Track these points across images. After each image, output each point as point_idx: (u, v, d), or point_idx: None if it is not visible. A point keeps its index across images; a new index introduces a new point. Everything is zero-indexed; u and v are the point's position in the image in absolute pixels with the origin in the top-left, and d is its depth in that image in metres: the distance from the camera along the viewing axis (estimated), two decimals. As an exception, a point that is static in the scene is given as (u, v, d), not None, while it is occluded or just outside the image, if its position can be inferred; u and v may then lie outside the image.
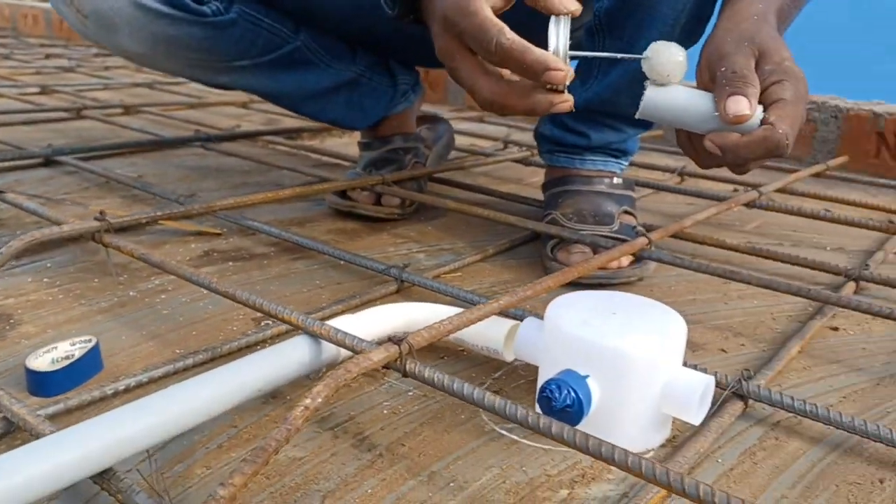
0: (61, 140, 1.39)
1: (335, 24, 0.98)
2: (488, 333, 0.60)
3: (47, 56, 2.70)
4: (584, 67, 0.90)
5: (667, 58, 0.59)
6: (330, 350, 0.56)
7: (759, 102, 0.58)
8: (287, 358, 0.53)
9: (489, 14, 0.57)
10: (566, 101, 0.59)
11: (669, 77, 0.59)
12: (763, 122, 0.57)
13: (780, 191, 1.10)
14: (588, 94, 0.88)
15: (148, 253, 0.67)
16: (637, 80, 0.82)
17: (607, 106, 0.88)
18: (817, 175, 1.26)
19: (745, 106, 0.55)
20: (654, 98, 0.61)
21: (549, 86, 0.57)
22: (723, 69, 0.58)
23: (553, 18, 0.57)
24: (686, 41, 0.85)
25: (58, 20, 3.62)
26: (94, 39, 0.90)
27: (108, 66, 2.50)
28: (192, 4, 0.86)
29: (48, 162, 1.17)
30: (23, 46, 3.06)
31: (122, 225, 0.74)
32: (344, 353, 0.56)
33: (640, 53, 0.69)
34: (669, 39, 0.81)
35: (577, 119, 0.91)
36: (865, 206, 1.07)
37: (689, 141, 0.63)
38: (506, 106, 0.60)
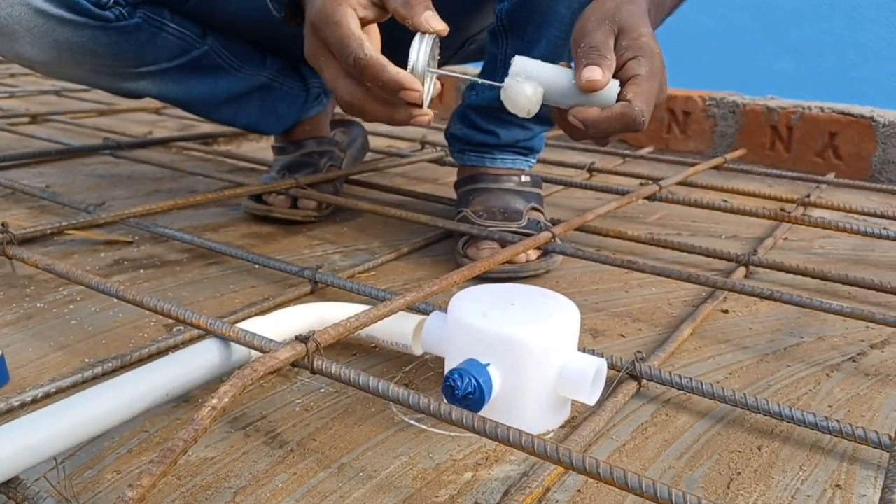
0: (-37, 151, 1.34)
1: (242, 28, 0.98)
2: (397, 329, 0.62)
3: (-53, 63, 2.58)
4: (486, 70, 0.93)
5: (518, 92, 0.60)
6: (241, 352, 0.57)
7: (618, 78, 0.60)
8: (195, 361, 0.54)
9: (352, 26, 0.59)
10: (424, 116, 0.62)
11: (528, 112, 0.61)
12: (620, 97, 0.59)
13: (681, 183, 1.16)
14: (497, 92, 0.90)
15: (53, 263, 0.66)
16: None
17: None
18: (717, 167, 1.32)
19: (597, 74, 0.58)
20: (518, 80, 0.60)
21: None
22: (581, 45, 0.61)
23: (417, 36, 0.59)
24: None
25: (-43, 26, 3.46)
26: None
27: (14, 74, 2.41)
28: (95, 10, 0.85)
29: (-51, 174, 1.13)
30: (-80, 54, 2.91)
31: (27, 236, 0.73)
32: (255, 354, 0.57)
33: (543, 52, 0.71)
34: (561, 47, 0.85)
35: (486, 118, 0.94)
36: (760, 195, 1.13)
37: (560, 116, 0.64)
38: (365, 111, 0.62)
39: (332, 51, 0.60)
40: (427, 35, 0.59)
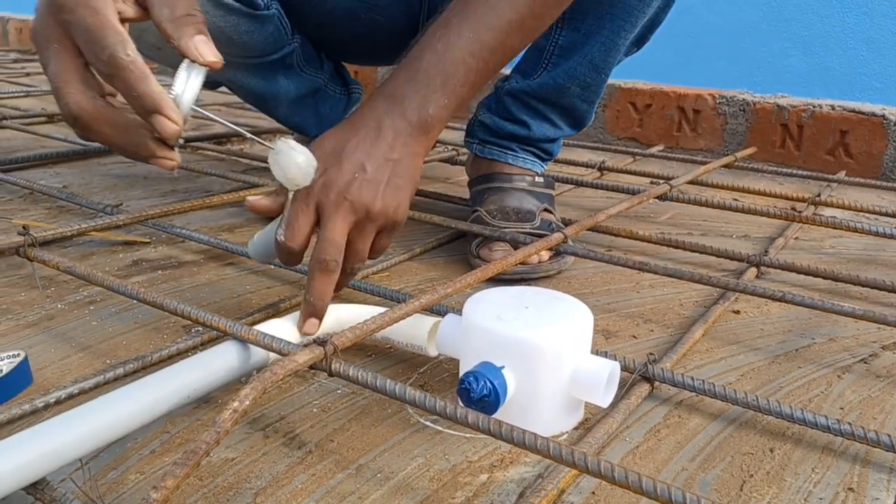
0: (-20, 151, 1.36)
1: (323, 27, 0.98)
2: (412, 331, 0.63)
3: (-39, 62, 2.61)
4: (529, 60, 0.93)
5: (290, 158, 0.55)
6: (259, 353, 0.58)
7: None
8: (215, 364, 0.55)
9: (112, 17, 0.48)
10: (170, 160, 0.52)
11: (296, 181, 0.56)
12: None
13: (692, 182, 1.16)
14: (544, 80, 0.92)
15: (74, 265, 0.68)
16: (594, 68, 0.88)
17: (558, 93, 0.92)
18: (727, 166, 1.33)
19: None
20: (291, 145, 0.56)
21: (156, 133, 0.50)
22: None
23: (186, 62, 0.50)
24: (632, 46, 0.92)
25: (-29, 24, 3.49)
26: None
27: (29, 73, 2.43)
28: None
29: (-33, 175, 1.15)
30: (-66, 52, 2.94)
31: (48, 238, 0.74)
32: (273, 356, 0.58)
33: (598, 46, 0.74)
34: (622, 40, 0.88)
35: (522, 106, 0.95)
36: (770, 194, 1.13)
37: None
38: (95, 130, 0.50)
39: (77, 41, 0.49)
40: (198, 66, 0.50)
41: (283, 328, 0.61)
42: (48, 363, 0.63)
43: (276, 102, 1.01)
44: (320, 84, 1.04)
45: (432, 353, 0.63)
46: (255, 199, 0.64)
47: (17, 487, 0.43)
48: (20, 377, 0.58)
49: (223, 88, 1.03)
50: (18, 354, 0.59)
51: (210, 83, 0.98)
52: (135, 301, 0.72)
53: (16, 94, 1.97)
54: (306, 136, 1.11)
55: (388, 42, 1.03)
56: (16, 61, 2.79)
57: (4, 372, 0.57)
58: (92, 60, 0.49)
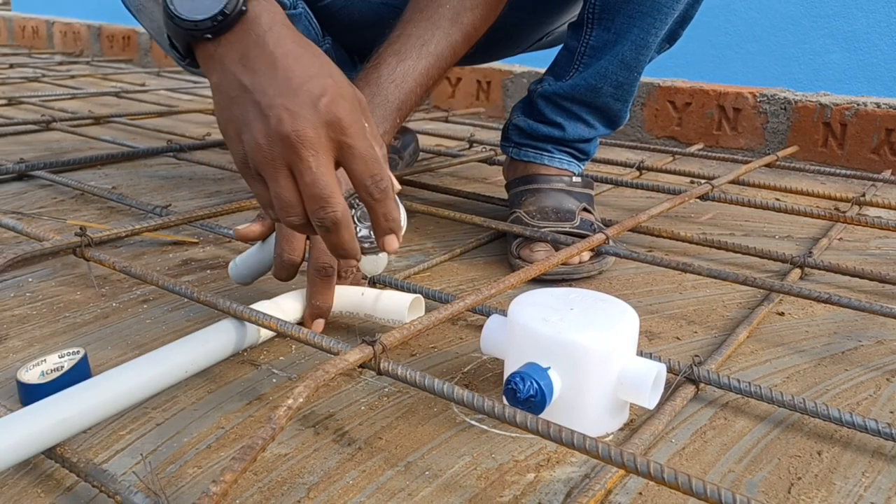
0: (31, 153, 1.40)
1: (354, 29, 0.99)
2: (394, 307, 0.67)
3: (11, 66, 2.68)
4: (561, 62, 0.94)
5: (382, 263, 0.69)
6: (252, 332, 0.63)
7: None
8: (212, 341, 0.60)
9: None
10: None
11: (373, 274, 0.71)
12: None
13: (734, 182, 1.16)
14: (574, 81, 0.92)
15: (129, 265, 0.70)
16: (626, 67, 0.88)
17: (591, 93, 0.93)
18: (768, 165, 1.31)
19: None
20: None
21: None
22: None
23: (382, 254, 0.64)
24: (664, 43, 0.92)
25: (20, 28, 3.59)
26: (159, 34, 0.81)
27: (74, 75, 2.49)
28: None
29: (21, 176, 1.19)
30: (-16, 56, 3.03)
31: (103, 239, 0.76)
32: (265, 333, 0.65)
33: (629, 45, 0.86)
34: (652, 37, 0.89)
35: (556, 108, 0.95)
36: (813, 194, 1.12)
37: None
38: (279, 235, 0.64)
39: (348, 159, 0.52)
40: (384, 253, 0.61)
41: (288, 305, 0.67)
42: (105, 360, 0.65)
43: None
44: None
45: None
46: (244, 227, 0.68)
47: (33, 454, 0.47)
48: (80, 374, 0.60)
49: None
50: (78, 352, 0.61)
51: None
52: (186, 300, 0.74)
53: (62, 97, 2.02)
54: None
55: None
56: (60, 63, 2.86)
57: (66, 369, 0.59)
58: (360, 189, 0.53)
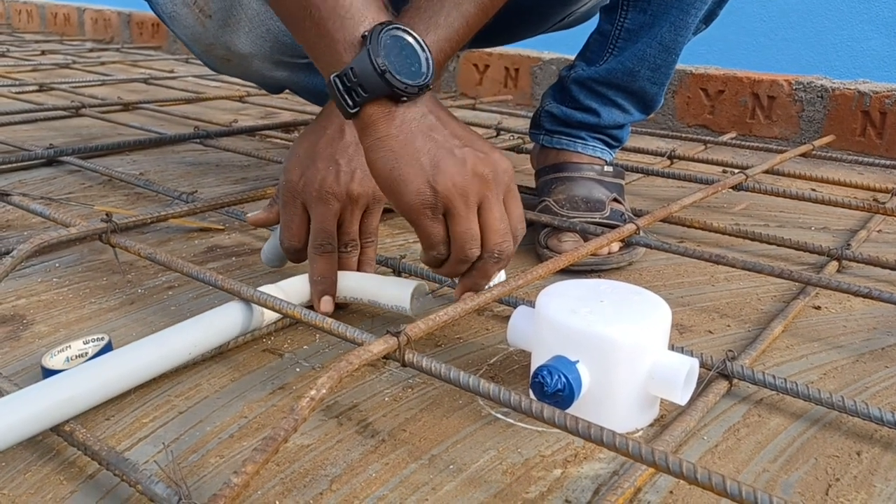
0: (61, 139, 1.41)
1: None
2: (396, 293, 0.66)
3: (43, 52, 2.71)
4: (594, 46, 0.92)
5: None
6: (257, 315, 0.63)
7: None
8: (217, 323, 0.61)
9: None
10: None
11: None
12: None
13: (768, 172, 1.13)
14: (612, 65, 0.91)
15: (154, 252, 0.69)
16: (664, 49, 0.86)
17: (627, 77, 0.91)
18: (804, 155, 1.28)
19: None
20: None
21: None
22: None
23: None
24: (700, 24, 0.90)
25: (52, 15, 3.62)
26: (205, 40, 0.84)
27: (104, 62, 2.51)
28: None
29: (50, 161, 1.19)
30: (18, 43, 3.06)
31: (129, 225, 0.76)
32: (269, 315, 0.64)
33: (665, 29, 0.85)
34: (691, 17, 0.87)
35: (590, 93, 0.93)
36: (850, 185, 1.09)
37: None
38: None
39: (487, 197, 0.56)
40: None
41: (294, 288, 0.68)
42: (130, 347, 0.64)
43: None
44: None
45: (411, 314, 0.66)
46: (254, 215, 0.72)
47: (39, 431, 0.48)
48: (104, 360, 0.60)
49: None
50: (102, 338, 0.61)
51: (275, 88, 0.98)
52: (211, 287, 0.74)
53: (92, 83, 2.04)
54: None
55: None
56: (91, 50, 2.88)
57: (90, 355, 0.59)
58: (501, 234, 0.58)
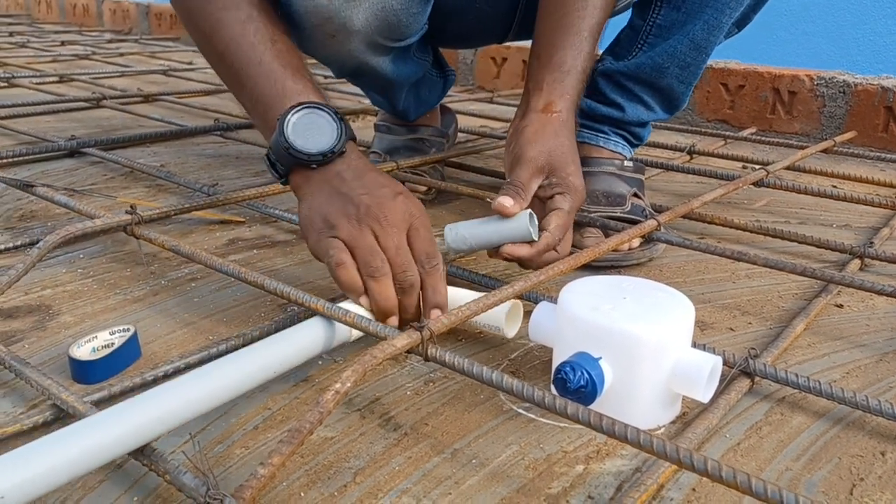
0: (82, 130, 1.42)
1: (448, 13, 0.96)
2: (491, 314, 0.63)
3: (62, 43, 2.73)
4: (624, 41, 0.92)
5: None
6: (342, 331, 0.60)
7: (546, 208, 0.71)
8: (302, 341, 0.57)
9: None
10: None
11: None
12: (543, 225, 0.69)
13: (789, 168, 1.12)
14: (641, 60, 0.90)
15: (178, 244, 0.70)
16: (696, 48, 0.86)
17: (655, 73, 0.90)
18: (825, 151, 1.27)
19: (508, 202, 0.68)
20: (455, 229, 0.71)
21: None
22: (507, 179, 0.71)
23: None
24: (733, 27, 0.89)
25: (71, 6, 3.64)
26: (326, 13, 0.80)
27: (123, 53, 2.52)
28: None
29: (73, 153, 1.21)
30: (38, 34, 3.08)
31: (152, 217, 0.77)
32: (355, 333, 0.61)
33: (699, 25, 0.85)
34: (726, 17, 0.87)
35: (616, 88, 0.93)
36: (872, 181, 1.08)
37: (496, 253, 0.71)
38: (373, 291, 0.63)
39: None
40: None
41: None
42: (155, 338, 0.65)
43: (399, 87, 1.00)
44: (426, 69, 1.04)
45: (510, 334, 0.65)
46: (498, 202, 0.70)
47: (124, 453, 0.45)
48: (130, 351, 0.61)
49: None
50: (129, 329, 0.61)
51: (346, 72, 0.94)
52: (233, 279, 0.74)
53: (112, 74, 2.05)
54: (405, 121, 1.11)
55: (489, 28, 1.03)
56: (110, 41, 2.90)
57: (116, 345, 0.60)
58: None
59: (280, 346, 0.56)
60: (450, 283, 0.72)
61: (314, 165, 0.66)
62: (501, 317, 0.64)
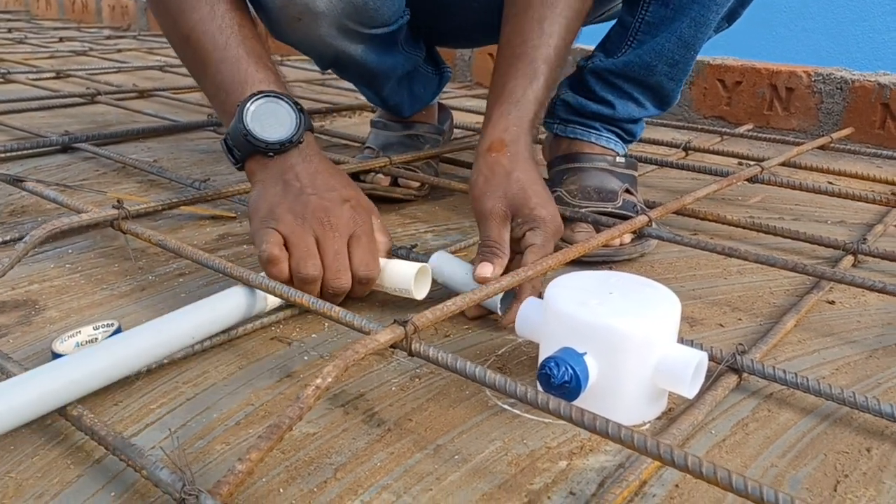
0: (76, 125, 1.42)
1: (430, 11, 0.96)
2: (399, 277, 0.67)
3: (60, 39, 2.72)
4: (614, 37, 0.91)
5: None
6: (260, 300, 0.64)
7: (518, 246, 0.68)
8: (220, 308, 0.61)
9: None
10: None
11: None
12: (523, 263, 0.65)
13: (784, 164, 1.11)
14: (628, 58, 0.90)
15: (165, 239, 0.70)
16: (683, 45, 0.85)
17: (644, 71, 0.90)
18: (822, 147, 1.26)
19: (487, 270, 0.65)
20: (440, 266, 0.70)
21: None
22: (482, 238, 0.68)
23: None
24: (723, 22, 0.89)
25: (70, 3, 3.64)
26: None
27: (120, 49, 2.52)
28: None
29: (66, 148, 1.20)
30: (36, 30, 3.08)
31: (140, 212, 0.76)
32: (272, 300, 0.65)
33: (686, 22, 0.84)
34: (713, 14, 0.86)
35: (606, 85, 0.92)
36: (868, 178, 1.08)
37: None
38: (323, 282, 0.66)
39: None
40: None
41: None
42: (140, 333, 0.65)
43: (384, 79, 1.00)
44: (417, 64, 1.03)
45: (419, 296, 0.68)
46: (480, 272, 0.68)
47: (43, 413, 0.48)
48: (114, 346, 0.61)
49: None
50: (112, 324, 0.61)
51: (327, 61, 0.94)
52: (221, 275, 0.74)
53: (108, 70, 2.05)
54: (400, 117, 1.10)
55: (486, 26, 1.02)
56: (108, 38, 2.89)
57: (100, 340, 0.60)
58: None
59: (201, 311, 0.60)
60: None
61: (271, 154, 0.68)
62: (410, 279, 0.66)
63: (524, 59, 0.74)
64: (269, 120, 0.68)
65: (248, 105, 0.67)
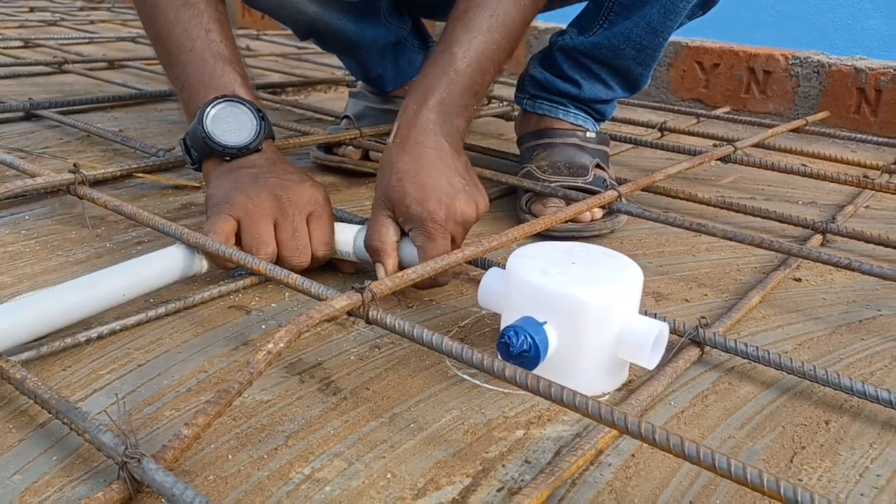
0: (43, 94, 1.38)
1: None
2: (339, 238, 0.67)
3: (31, 9, 2.66)
4: (587, 15, 0.90)
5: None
6: (197, 263, 0.63)
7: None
8: (156, 266, 0.60)
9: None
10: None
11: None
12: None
13: (758, 146, 1.11)
14: (597, 39, 0.88)
15: (121, 204, 0.68)
16: (651, 31, 0.84)
17: (611, 54, 0.89)
18: (797, 130, 1.26)
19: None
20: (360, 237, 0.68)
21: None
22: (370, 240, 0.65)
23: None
24: (697, 9, 0.88)
25: (41, -28, 3.55)
26: None
27: (93, 21, 2.47)
28: None
29: (29, 116, 1.17)
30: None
31: (98, 178, 0.74)
32: (206, 264, 0.64)
33: (656, 8, 0.83)
34: (683, 1, 0.85)
35: (574, 65, 0.91)
36: (841, 161, 1.08)
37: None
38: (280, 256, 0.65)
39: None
40: None
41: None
42: (94, 299, 0.63)
43: (364, 49, 0.98)
44: (402, 36, 1.01)
45: (352, 258, 0.68)
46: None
47: None
48: (65, 311, 0.59)
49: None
50: (64, 289, 0.59)
51: (304, 30, 0.93)
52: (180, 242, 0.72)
53: (79, 41, 2.00)
54: (382, 91, 1.08)
55: None
56: (81, 9, 2.83)
57: (49, 305, 0.58)
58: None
59: (135, 267, 0.59)
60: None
61: (228, 158, 0.68)
62: (350, 241, 0.67)
63: (444, 55, 0.69)
64: (228, 124, 0.68)
65: (208, 109, 0.67)
